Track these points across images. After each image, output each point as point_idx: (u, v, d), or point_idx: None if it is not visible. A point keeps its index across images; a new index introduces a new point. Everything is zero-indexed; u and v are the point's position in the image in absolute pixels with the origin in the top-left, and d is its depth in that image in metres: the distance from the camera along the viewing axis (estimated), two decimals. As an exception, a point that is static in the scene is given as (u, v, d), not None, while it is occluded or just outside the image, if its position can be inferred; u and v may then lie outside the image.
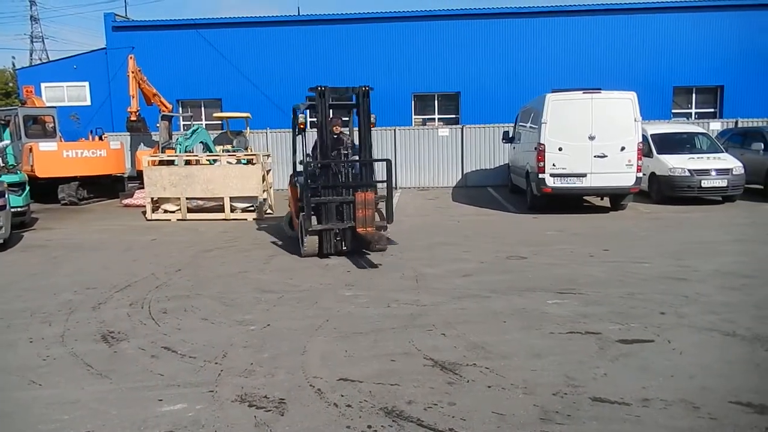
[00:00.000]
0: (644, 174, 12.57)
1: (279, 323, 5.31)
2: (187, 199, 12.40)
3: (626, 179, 11.59)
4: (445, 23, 22.08)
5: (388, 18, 22.15)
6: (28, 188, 11.79)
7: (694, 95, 22.05)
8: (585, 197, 13.31)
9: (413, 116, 22.52)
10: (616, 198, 12.38)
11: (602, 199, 13.13)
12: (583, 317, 5.28)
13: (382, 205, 8.19)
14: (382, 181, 8.08)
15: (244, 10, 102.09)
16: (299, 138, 9.03)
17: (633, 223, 10.94)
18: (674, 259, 7.63)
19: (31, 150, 15.04)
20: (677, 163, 13.00)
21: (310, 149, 9.09)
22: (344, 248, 8.08)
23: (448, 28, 22.04)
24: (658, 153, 13.52)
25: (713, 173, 12.74)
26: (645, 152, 12.62)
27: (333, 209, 7.98)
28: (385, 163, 8.14)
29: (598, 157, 11.50)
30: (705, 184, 12.68)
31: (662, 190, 13.15)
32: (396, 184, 18.54)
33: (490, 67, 21.84)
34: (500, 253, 8.21)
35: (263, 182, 12.70)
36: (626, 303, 5.70)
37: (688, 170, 12.81)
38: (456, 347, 4.60)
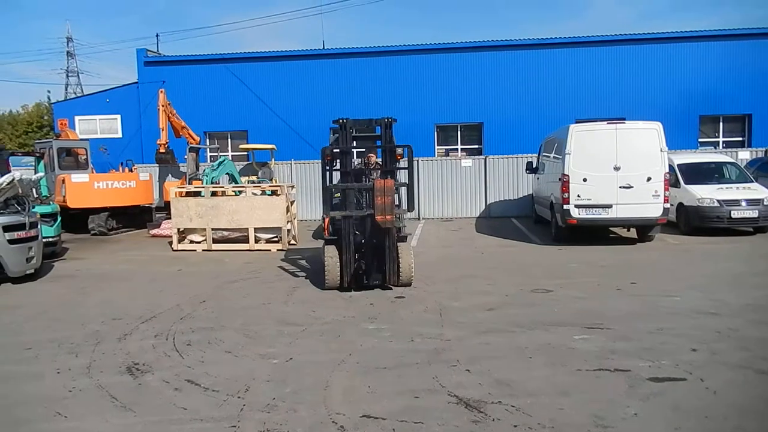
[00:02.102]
0: (671, 204, 12.37)
1: (302, 357, 5.30)
2: (212, 229, 12.57)
3: (653, 210, 11.40)
4: (467, 55, 22.32)
5: (411, 50, 22.48)
6: (59, 219, 12.11)
7: (721, 124, 21.77)
8: (611, 228, 13.12)
9: (436, 147, 22.63)
10: (643, 229, 12.17)
11: (629, 230, 12.93)
12: (612, 353, 5.15)
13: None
14: (404, 184, 8.01)
15: (271, 45, 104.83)
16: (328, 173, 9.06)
17: (661, 255, 10.73)
18: (705, 293, 7.44)
19: (63, 181, 15.46)
20: (706, 194, 12.77)
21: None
22: (366, 282, 8.04)
23: (471, 60, 22.27)
24: (685, 183, 13.31)
25: (743, 203, 12.47)
26: (672, 182, 12.44)
27: (352, 226, 7.95)
28: (406, 149, 8.03)
29: (624, 187, 11.37)
30: (735, 214, 12.41)
31: (691, 221, 12.90)
32: (419, 215, 18.58)
33: (513, 97, 21.92)
34: (525, 286, 8.11)
35: (287, 213, 12.81)
36: (656, 339, 5.55)
37: (717, 201, 12.57)
38: (481, 384, 4.51)
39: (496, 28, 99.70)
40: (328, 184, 8.19)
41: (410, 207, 8.00)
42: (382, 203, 7.52)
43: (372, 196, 7.93)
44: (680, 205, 13.21)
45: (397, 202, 8.20)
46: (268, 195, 13.18)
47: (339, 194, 8.50)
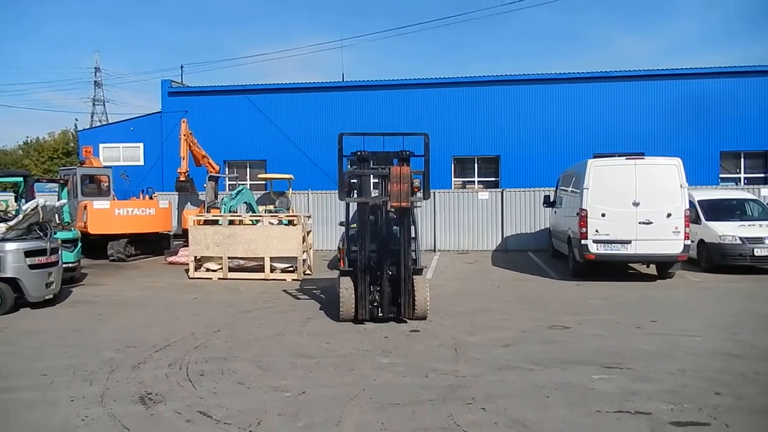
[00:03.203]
0: (692, 241, 12.19)
1: (314, 390, 5.24)
2: (228, 258, 12.63)
3: (673, 247, 11.23)
4: (485, 88, 22.54)
5: (429, 84, 22.75)
6: (80, 245, 12.27)
7: (742, 160, 21.57)
8: (630, 264, 12.93)
9: (453, 179, 22.68)
10: (663, 266, 11.97)
11: (648, 266, 12.73)
12: (632, 395, 5.02)
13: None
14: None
15: (292, 77, 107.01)
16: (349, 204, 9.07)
17: (682, 293, 10.53)
18: (728, 333, 7.26)
19: (85, 208, 15.73)
20: (727, 231, 12.58)
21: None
22: (380, 314, 7.99)
23: (489, 93, 22.46)
24: (706, 220, 13.14)
25: (767, 241, 12.24)
26: (692, 219, 12.28)
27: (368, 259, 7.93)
28: (422, 137, 8.03)
29: (643, 223, 11.24)
30: (758, 252, 12.18)
31: (712, 258, 12.68)
32: (435, 247, 18.52)
33: (531, 131, 22.00)
34: (542, 322, 7.98)
35: (303, 243, 12.85)
36: (678, 380, 5.40)
37: (740, 238, 12.36)
38: (496, 423, 4.41)
39: (515, 62, 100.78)
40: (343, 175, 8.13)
41: (426, 195, 8.09)
42: (398, 190, 7.51)
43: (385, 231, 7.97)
44: (701, 241, 13.01)
45: (413, 248, 8.18)
46: (285, 224, 13.25)
47: (355, 225, 8.51)
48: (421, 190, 8.18)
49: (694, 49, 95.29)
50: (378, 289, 8.02)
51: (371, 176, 8.57)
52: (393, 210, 8.60)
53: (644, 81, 21.79)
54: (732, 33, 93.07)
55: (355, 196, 8.57)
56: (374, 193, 9.48)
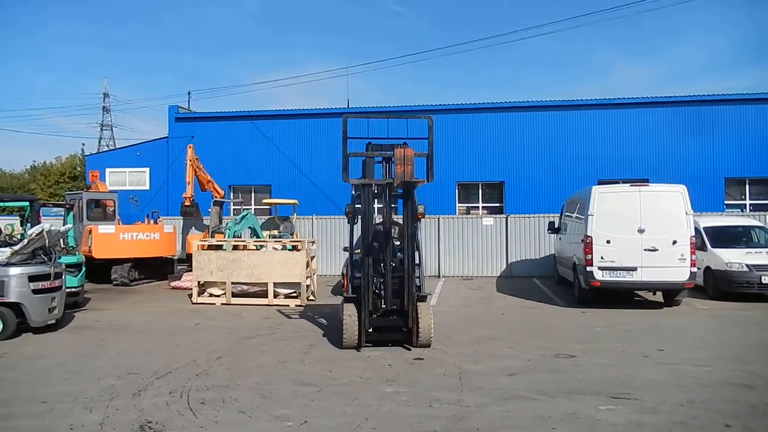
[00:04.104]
0: (699, 268, 12.09)
1: (317, 420, 5.16)
2: (232, 283, 12.59)
3: (680, 274, 11.14)
4: (488, 115, 22.66)
5: (433, 110, 22.89)
6: (84, 269, 12.27)
7: (747, 186, 21.50)
8: (636, 291, 12.81)
9: (457, 204, 22.68)
10: (670, 293, 11.86)
11: (654, 293, 12.62)
12: (640, 426, 4.92)
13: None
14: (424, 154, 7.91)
15: (298, 103, 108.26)
16: (355, 227, 9.08)
17: (689, 321, 10.40)
18: (737, 363, 7.14)
19: (90, 232, 15.77)
20: (734, 258, 12.49)
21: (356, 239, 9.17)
22: (384, 340, 7.91)
23: (493, 119, 22.58)
24: (712, 247, 13.06)
25: (774, 269, 12.12)
26: (698, 246, 12.20)
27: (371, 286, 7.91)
28: (428, 120, 8.06)
29: (649, 250, 11.17)
30: (765, 280, 12.07)
31: (719, 286, 12.56)
32: (439, 273, 18.44)
33: (535, 157, 22.05)
34: (547, 350, 7.88)
35: (307, 268, 12.81)
36: (686, 412, 5.30)
37: (746, 265, 12.26)
38: (501, 456, 4.32)
39: (519, 88, 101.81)
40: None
41: (429, 177, 8.00)
42: (402, 172, 7.48)
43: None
44: (707, 269, 12.91)
45: (417, 274, 8.15)
46: (289, 250, 13.24)
47: (359, 250, 8.50)
48: (426, 177, 8.03)
49: (696, 75, 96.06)
50: (382, 315, 7.97)
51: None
52: (396, 233, 8.61)
53: (648, 108, 21.88)
54: (735, 59, 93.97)
55: (359, 221, 8.56)
56: (377, 218, 9.48)
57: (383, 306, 7.94)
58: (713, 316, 10.85)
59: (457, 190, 22.74)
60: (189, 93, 34.94)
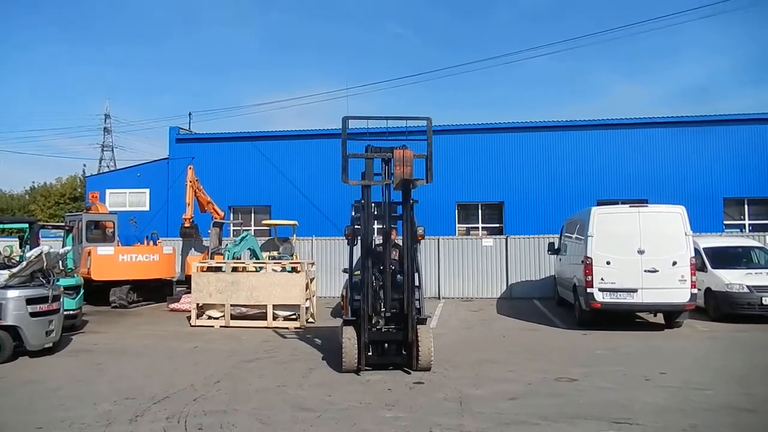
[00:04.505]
0: (699, 289, 12.06)
1: (315, 446, 5.09)
2: (231, 305, 12.53)
3: (680, 295, 11.10)
4: (487, 135, 22.81)
5: (433, 131, 22.95)
6: (82, 291, 12.23)
7: (746, 206, 21.55)
8: (637, 313, 12.76)
9: (457, 225, 22.71)
10: (671, 315, 11.81)
11: (655, 315, 12.56)
12: (642, 453, 4.86)
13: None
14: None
15: (297, 124, 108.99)
16: (355, 249, 9.08)
17: (690, 343, 10.35)
18: (739, 386, 7.08)
19: (89, 254, 15.74)
20: (734, 279, 12.45)
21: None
22: (384, 364, 7.87)
23: (492, 140, 22.74)
24: (712, 267, 13.04)
25: (775, 290, 12.08)
26: (698, 266, 12.18)
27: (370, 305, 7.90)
28: (427, 121, 8.28)
29: (649, 271, 11.14)
30: (766, 301, 12.01)
31: (720, 307, 12.51)
32: (439, 294, 18.37)
33: (534, 177, 22.14)
34: (548, 374, 7.82)
35: (307, 290, 12.76)
36: (689, 437, 5.24)
37: (747, 286, 12.22)
38: (503, 484, 4.26)
39: (517, 109, 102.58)
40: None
41: (429, 178, 8.10)
42: (401, 173, 7.55)
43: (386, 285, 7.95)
44: (708, 290, 12.87)
45: (417, 296, 8.13)
46: (288, 271, 13.20)
47: (358, 272, 8.49)
48: (425, 178, 8.11)
49: (695, 95, 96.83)
50: (382, 338, 7.93)
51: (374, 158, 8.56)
52: (395, 255, 8.60)
53: (646, 128, 22.03)
54: (734, 79, 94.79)
55: (359, 242, 8.56)
56: (377, 239, 9.49)
57: (382, 331, 7.90)
58: (714, 338, 10.79)
59: (456, 211, 22.77)
60: (190, 114, 35.35)
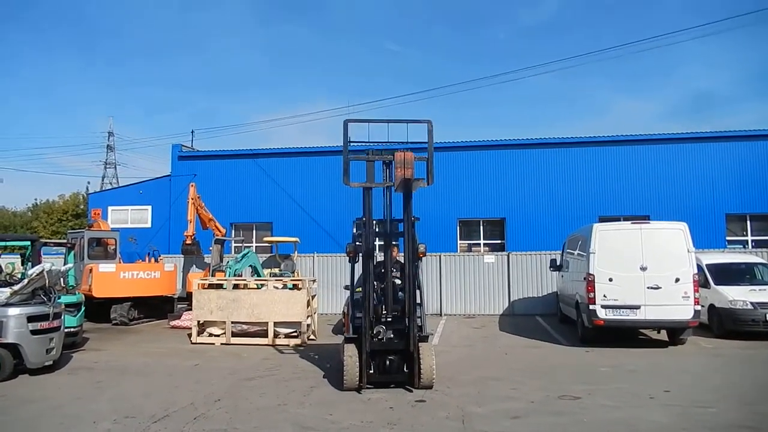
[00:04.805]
0: (702, 306, 11.99)
1: (316, 466, 5.04)
2: (232, 323, 12.49)
3: (683, 312, 11.04)
4: (489, 152, 22.88)
5: (434, 147, 23.03)
6: (83, 309, 12.20)
7: (748, 222, 21.50)
8: (641, 330, 12.68)
9: (458, 241, 22.67)
10: (675, 332, 11.73)
11: (659, 331, 12.48)
12: (647, 473, 4.80)
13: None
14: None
15: (299, 141, 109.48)
16: (357, 266, 9.08)
17: (694, 360, 10.26)
18: (744, 404, 7.01)
19: (91, 271, 15.73)
20: (738, 295, 12.39)
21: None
22: (385, 381, 7.82)
23: (493, 156, 22.79)
24: (715, 284, 12.98)
25: (779, 307, 12.00)
26: (701, 283, 12.13)
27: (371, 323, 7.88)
28: (427, 124, 8.40)
29: (652, 288, 11.10)
30: (771, 318, 11.93)
31: (724, 324, 12.43)
32: (441, 311, 18.29)
33: (536, 194, 22.15)
34: (551, 392, 7.76)
35: (308, 307, 12.72)
36: (694, 457, 5.17)
37: (751, 303, 12.16)
38: (506, 504, 4.21)
39: (517, 125, 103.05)
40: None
41: (429, 180, 8.18)
42: (402, 174, 7.57)
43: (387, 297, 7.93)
44: (711, 306, 12.80)
45: (419, 314, 8.10)
46: (290, 288, 13.18)
47: (360, 289, 8.47)
48: (426, 180, 8.18)
49: (696, 111, 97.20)
50: (384, 356, 7.89)
51: (376, 161, 8.66)
52: (397, 272, 8.59)
53: (647, 144, 22.07)
54: (735, 95, 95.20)
55: (360, 259, 8.55)
56: (379, 256, 9.48)
57: (384, 348, 7.87)
58: (718, 355, 10.71)
59: (458, 227, 22.76)
60: (192, 132, 35.49)
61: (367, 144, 8.94)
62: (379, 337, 7.90)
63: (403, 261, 8.36)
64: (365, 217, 8.26)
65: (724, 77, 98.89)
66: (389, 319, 7.98)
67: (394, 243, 8.69)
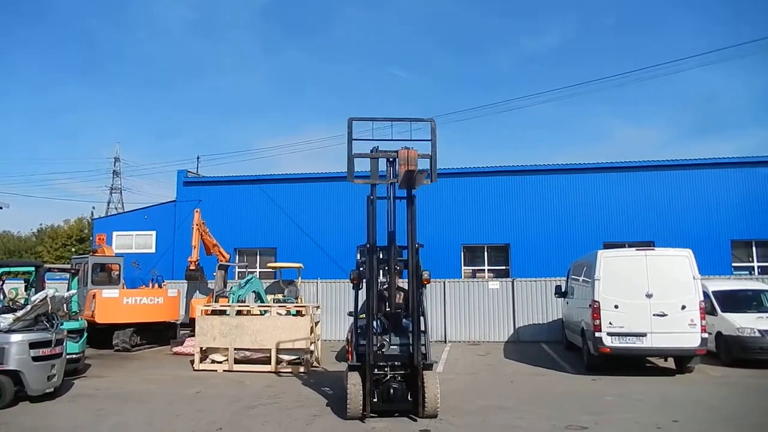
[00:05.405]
0: (710, 333, 11.85)
1: (319, 498, 4.95)
2: (235, 349, 12.40)
3: (691, 340, 10.91)
4: (492, 178, 22.95)
5: (438, 174, 23.09)
6: (85, 335, 12.14)
7: (754, 249, 21.39)
8: (648, 357, 12.52)
9: (462, 267, 22.59)
10: (682, 360, 11.58)
11: (666, 359, 12.32)
12: (657, 507, 4.69)
13: None
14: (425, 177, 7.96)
15: (304, 167, 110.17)
16: (360, 293, 9.04)
17: (703, 389, 10.10)
18: (755, 436, 6.88)
19: (94, 296, 15.71)
20: (745, 323, 12.26)
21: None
22: (389, 410, 7.72)
23: (497, 183, 22.86)
24: (722, 311, 12.85)
25: (787, 335, 11.86)
26: (708, 310, 12.00)
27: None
28: (430, 122, 8.39)
29: (658, 315, 11.00)
30: (779, 346, 11.77)
31: (732, 352, 12.28)
32: (445, 338, 18.14)
33: (540, 220, 22.15)
34: (558, 421, 7.63)
35: (311, 334, 12.64)
36: (705, 490, 5.06)
37: (759, 330, 12.02)
38: None
39: (520, 150, 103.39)
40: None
41: (433, 178, 8.28)
42: (406, 167, 7.65)
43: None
44: (719, 334, 12.65)
45: (423, 342, 8.04)
46: (293, 315, 13.11)
47: (363, 315, 8.43)
48: (429, 177, 8.23)
49: (698, 137, 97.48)
50: (387, 385, 7.80)
51: (380, 159, 8.62)
52: (401, 299, 8.56)
53: (652, 171, 22.12)
54: (737, 121, 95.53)
55: (364, 286, 8.51)
56: (382, 278, 9.42)
57: (387, 377, 7.79)
58: (727, 384, 10.55)
59: (462, 253, 22.71)
60: (198, 158, 35.65)
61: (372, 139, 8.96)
62: (384, 350, 7.83)
63: (406, 287, 8.32)
64: (369, 222, 8.23)
65: (729, 103, 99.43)
66: (394, 351, 7.92)
67: (397, 268, 8.65)
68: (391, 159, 8.52)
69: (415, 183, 7.86)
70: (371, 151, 8.61)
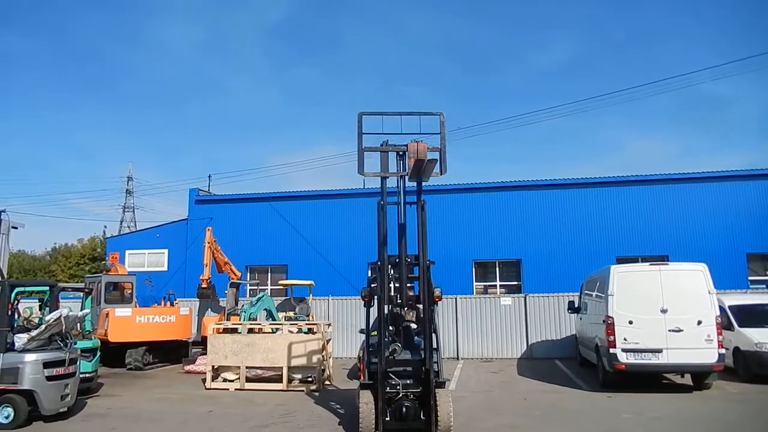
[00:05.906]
0: (727, 349, 11.65)
1: None
2: (246, 367, 12.38)
3: (707, 356, 10.72)
4: (504, 193, 22.92)
5: (448, 189, 23.14)
6: (98, 354, 12.19)
7: (770, 262, 21.09)
8: (664, 374, 12.33)
9: (474, 283, 22.48)
10: (699, 376, 11.38)
11: (683, 376, 12.12)
12: None
13: None
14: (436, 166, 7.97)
15: (315, 184, 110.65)
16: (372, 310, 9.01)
17: (721, 407, 9.91)
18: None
19: (107, 315, 15.79)
20: (764, 338, 12.03)
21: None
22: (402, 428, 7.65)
23: (508, 198, 22.82)
24: (740, 326, 12.64)
25: (807, 350, 11.64)
26: (725, 325, 11.83)
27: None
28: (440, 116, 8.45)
29: (673, 331, 10.84)
30: (799, 361, 11.54)
31: (750, 368, 12.04)
32: (458, 355, 17.99)
33: (552, 234, 22.02)
34: (573, 440, 7.52)
35: (323, 352, 12.59)
36: None
37: (777, 346, 11.79)
38: None
39: (533, 164, 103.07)
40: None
41: (442, 170, 8.35)
42: (415, 161, 7.69)
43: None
44: (737, 349, 12.43)
45: (435, 359, 7.98)
46: (305, 332, 13.08)
47: (375, 332, 8.39)
48: (439, 168, 8.26)
49: (712, 150, 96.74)
50: (400, 403, 7.74)
51: (389, 152, 8.69)
52: (413, 316, 8.52)
53: (665, 184, 21.97)
54: (749, 135, 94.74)
55: (375, 303, 8.48)
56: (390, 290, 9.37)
57: (400, 396, 7.73)
58: (746, 401, 10.34)
59: (473, 269, 22.60)
60: (209, 176, 35.97)
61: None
62: (395, 356, 7.78)
63: (418, 305, 8.28)
64: (379, 230, 8.28)
65: (740, 116, 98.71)
66: (407, 368, 7.87)
67: (409, 285, 8.62)
68: (401, 152, 8.58)
69: (426, 173, 7.89)
70: (381, 145, 8.67)
